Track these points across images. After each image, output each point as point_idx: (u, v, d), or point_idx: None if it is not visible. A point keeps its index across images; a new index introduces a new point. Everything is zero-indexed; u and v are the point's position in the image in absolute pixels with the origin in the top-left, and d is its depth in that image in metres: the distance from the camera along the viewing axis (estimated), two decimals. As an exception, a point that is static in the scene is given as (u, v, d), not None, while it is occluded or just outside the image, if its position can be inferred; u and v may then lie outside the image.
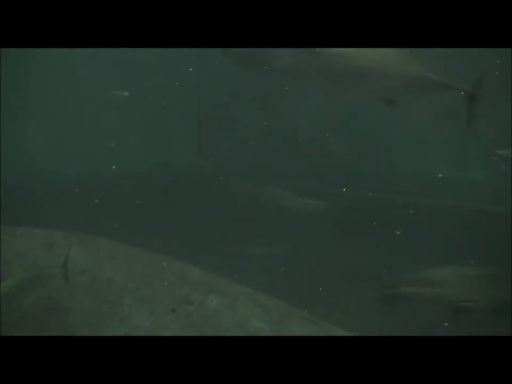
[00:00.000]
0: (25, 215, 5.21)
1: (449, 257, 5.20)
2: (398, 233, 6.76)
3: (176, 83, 9.90)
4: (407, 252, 6.75)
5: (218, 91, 10.25)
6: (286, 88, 7.60)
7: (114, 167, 9.01)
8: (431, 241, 6.97)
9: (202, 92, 10.54)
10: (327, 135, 9.80)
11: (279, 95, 9.39)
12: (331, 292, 6.19)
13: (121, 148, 10.49)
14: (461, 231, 7.05)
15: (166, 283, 3.82)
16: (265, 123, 9.90)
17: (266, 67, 4.37)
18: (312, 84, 4.96)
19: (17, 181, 8.57)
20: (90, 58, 10.20)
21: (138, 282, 3.78)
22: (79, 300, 3.50)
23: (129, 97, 8.56)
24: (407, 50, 4.55)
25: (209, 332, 3.51)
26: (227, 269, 4.97)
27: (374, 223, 7.32)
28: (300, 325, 3.84)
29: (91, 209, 7.13)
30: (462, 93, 4.64)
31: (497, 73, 6.39)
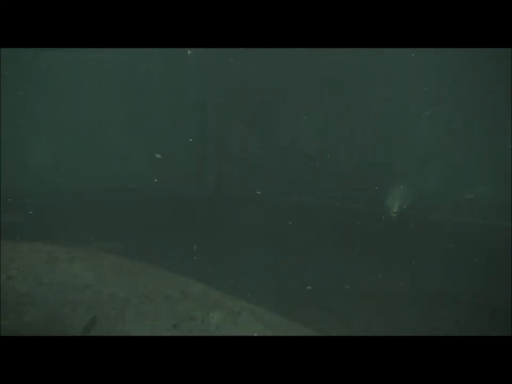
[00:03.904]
0: (28, 229, 5.23)
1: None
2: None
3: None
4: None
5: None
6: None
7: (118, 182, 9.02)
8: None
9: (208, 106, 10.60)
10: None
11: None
12: (335, 306, 6.14)
13: (125, 163, 10.53)
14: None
15: (168, 298, 3.81)
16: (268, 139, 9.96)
17: None
18: None
19: (22, 195, 8.60)
20: (96, 72, 10.28)
21: (141, 298, 3.76)
22: (81, 315, 3.49)
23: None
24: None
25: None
26: (230, 284, 4.96)
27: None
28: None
29: (94, 224, 7.14)
30: None
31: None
